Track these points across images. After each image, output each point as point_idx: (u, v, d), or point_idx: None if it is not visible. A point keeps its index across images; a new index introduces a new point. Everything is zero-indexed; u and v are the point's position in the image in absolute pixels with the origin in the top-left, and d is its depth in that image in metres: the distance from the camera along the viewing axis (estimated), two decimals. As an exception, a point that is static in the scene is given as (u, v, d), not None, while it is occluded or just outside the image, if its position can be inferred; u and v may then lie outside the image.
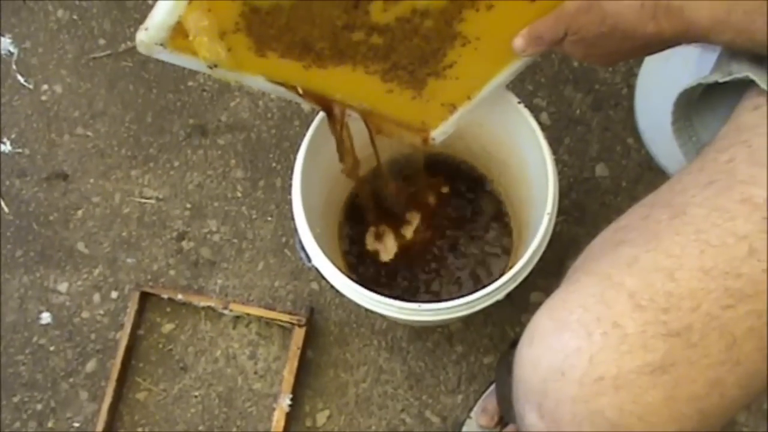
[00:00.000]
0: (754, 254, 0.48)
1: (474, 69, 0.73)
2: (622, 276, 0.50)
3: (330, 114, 0.75)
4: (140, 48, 0.61)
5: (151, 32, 0.59)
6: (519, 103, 0.79)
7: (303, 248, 0.76)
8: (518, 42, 0.67)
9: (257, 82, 0.68)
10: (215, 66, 0.63)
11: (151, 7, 1.19)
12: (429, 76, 0.73)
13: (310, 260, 0.76)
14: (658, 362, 0.47)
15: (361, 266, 0.95)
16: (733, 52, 0.58)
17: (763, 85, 0.53)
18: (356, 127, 0.78)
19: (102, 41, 1.16)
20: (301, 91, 0.70)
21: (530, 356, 0.52)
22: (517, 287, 1.01)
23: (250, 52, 0.64)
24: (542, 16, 0.65)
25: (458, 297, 0.73)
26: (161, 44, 0.60)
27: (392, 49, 0.68)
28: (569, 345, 0.49)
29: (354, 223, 0.96)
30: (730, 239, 0.49)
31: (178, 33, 0.59)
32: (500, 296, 0.74)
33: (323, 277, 0.76)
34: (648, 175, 1.05)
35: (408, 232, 0.95)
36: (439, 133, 0.82)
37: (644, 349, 0.47)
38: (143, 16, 1.20)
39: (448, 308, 0.73)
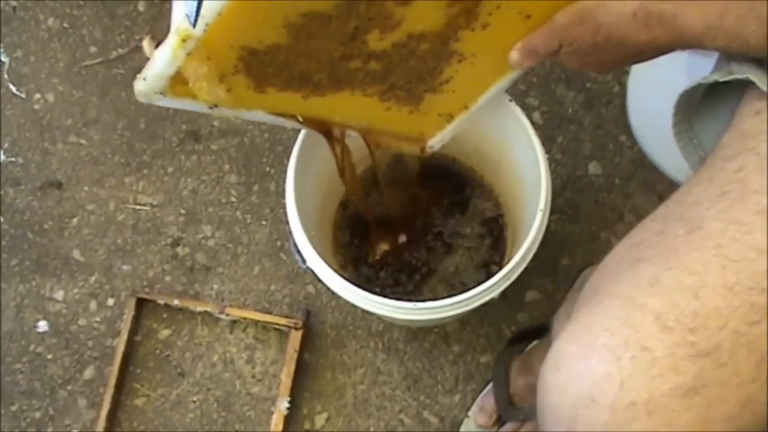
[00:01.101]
0: None
1: (471, 82, 0.73)
2: (645, 297, 0.49)
3: (329, 136, 0.75)
4: (139, 97, 0.61)
5: (149, 83, 0.60)
6: (510, 101, 0.79)
7: (298, 250, 0.77)
8: (514, 56, 0.67)
9: (257, 115, 0.68)
10: (215, 106, 0.63)
11: (141, 13, 1.20)
12: (426, 92, 0.73)
13: (305, 262, 0.77)
14: (689, 384, 0.47)
15: (357, 268, 0.95)
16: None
17: (763, 87, 0.53)
18: (355, 143, 0.78)
19: (93, 49, 1.16)
20: (300, 119, 0.71)
21: (557, 382, 0.51)
22: (512, 286, 1.01)
23: (249, 90, 0.64)
24: (536, 29, 0.65)
25: (454, 295, 0.73)
26: (161, 93, 0.61)
27: (389, 72, 0.68)
28: (598, 370, 0.48)
29: (349, 225, 0.97)
30: (750, 253, 0.48)
31: (177, 81, 0.60)
32: (495, 294, 0.74)
33: (319, 279, 0.77)
34: (641, 172, 1.05)
35: (403, 234, 0.95)
36: (436, 142, 0.82)
37: (674, 371, 0.47)
38: (134, 24, 1.21)
39: (444, 306, 0.73)
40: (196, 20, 0.53)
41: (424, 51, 0.66)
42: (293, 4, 0.57)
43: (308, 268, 0.77)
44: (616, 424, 0.47)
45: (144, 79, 0.60)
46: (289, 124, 0.71)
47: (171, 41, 0.56)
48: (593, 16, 0.60)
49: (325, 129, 0.75)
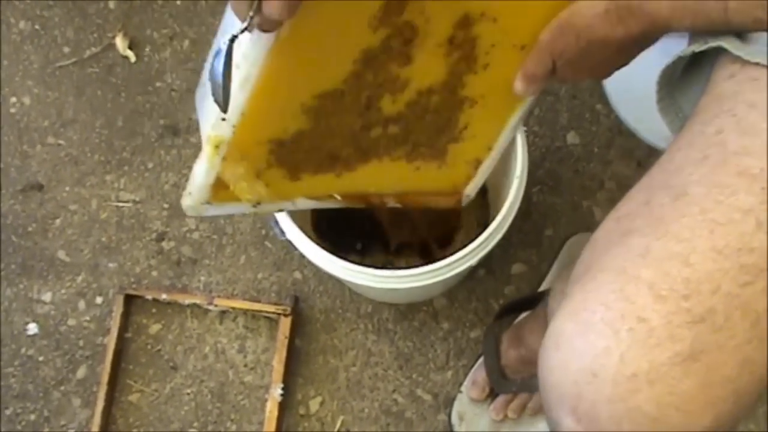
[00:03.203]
0: (762, 227, 0.48)
1: (487, 123, 0.75)
2: (637, 268, 0.49)
3: (371, 206, 0.78)
4: (188, 212, 0.65)
5: (195, 196, 0.63)
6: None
7: (276, 222, 0.77)
8: (518, 86, 0.68)
9: (299, 204, 0.72)
10: (258, 204, 0.67)
11: (112, 11, 1.19)
12: (448, 144, 0.74)
13: (283, 234, 0.77)
14: (687, 351, 0.47)
15: (338, 242, 0.95)
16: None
17: (735, 51, 0.54)
18: None
19: (66, 49, 1.16)
20: (339, 198, 0.74)
21: (558, 361, 0.51)
22: (497, 260, 1.02)
23: (286, 180, 0.68)
24: None
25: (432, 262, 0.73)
26: (207, 203, 0.64)
27: (409, 132, 0.70)
28: (597, 345, 0.48)
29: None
30: (736, 215, 0.48)
31: (218, 187, 0.63)
32: (473, 261, 0.74)
33: (295, 248, 0.77)
34: (618, 140, 1.06)
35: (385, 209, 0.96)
36: (471, 190, 0.83)
37: (672, 339, 0.47)
38: (105, 21, 1.20)
39: (421, 274, 0.73)
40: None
41: (436, 104, 0.68)
42: (306, 88, 0.60)
43: (286, 239, 0.77)
44: (620, 396, 0.48)
45: (190, 193, 0.63)
46: (331, 204, 0.74)
47: (205, 152, 0.60)
48: (570, 23, 0.61)
49: (365, 201, 0.77)
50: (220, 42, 0.51)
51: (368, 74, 0.61)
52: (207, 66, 0.60)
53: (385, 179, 0.75)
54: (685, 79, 0.62)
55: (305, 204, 0.72)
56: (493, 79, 0.68)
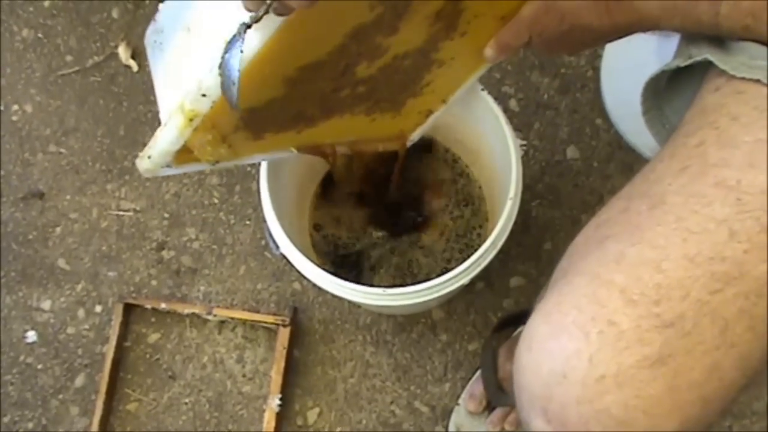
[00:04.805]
0: (734, 237, 0.48)
1: (449, 80, 0.76)
2: (611, 273, 0.50)
3: (323, 155, 0.78)
4: (145, 174, 0.62)
5: (156, 160, 0.61)
6: (482, 90, 0.80)
7: (272, 236, 0.78)
8: (489, 52, 0.70)
9: (254, 158, 0.71)
10: (218, 162, 0.65)
11: (115, 20, 1.20)
12: (408, 98, 0.75)
13: (278, 248, 0.77)
14: (655, 355, 0.48)
15: (336, 257, 0.95)
16: (691, 36, 0.59)
17: (720, 65, 0.54)
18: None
19: (69, 58, 1.16)
20: (295, 150, 0.73)
21: (530, 363, 0.52)
22: (496, 273, 1.03)
23: (249, 141, 0.67)
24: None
25: (424, 281, 0.73)
26: (167, 166, 0.62)
27: (375, 90, 0.70)
28: (568, 347, 0.49)
29: (326, 212, 0.97)
30: (710, 225, 0.49)
31: (182, 152, 0.61)
32: (465, 280, 0.75)
33: (291, 264, 0.77)
34: (618, 154, 1.06)
35: (383, 221, 0.96)
36: (416, 135, 0.84)
37: (641, 343, 0.48)
38: (108, 31, 1.20)
39: (414, 292, 0.73)
40: (232, 100, 0.53)
41: (408, 66, 0.69)
42: (293, 63, 0.59)
43: (281, 253, 0.77)
44: (588, 398, 0.48)
45: (149, 157, 0.61)
46: (285, 155, 0.73)
47: (176, 121, 0.57)
48: (556, 6, 0.62)
49: (318, 151, 0.77)
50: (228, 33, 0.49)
51: (353, 46, 0.61)
52: (193, 42, 0.59)
53: (342, 131, 0.75)
54: (671, 91, 0.63)
55: (260, 158, 0.72)
56: (466, 45, 0.69)
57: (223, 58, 0.50)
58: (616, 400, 0.48)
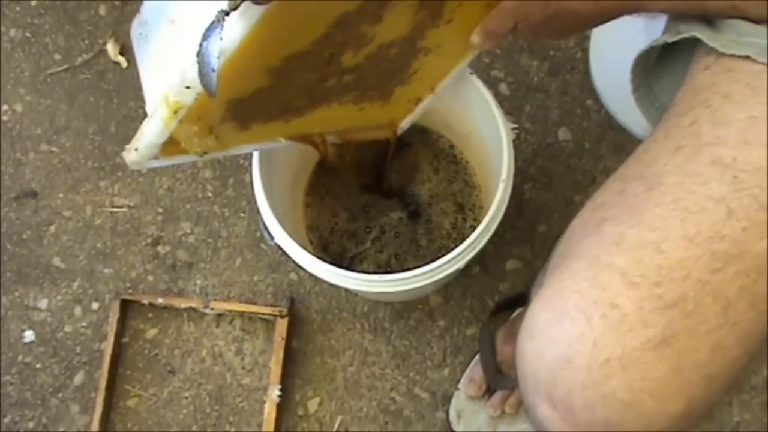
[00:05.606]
0: (732, 215, 0.48)
1: (437, 68, 0.76)
2: (610, 256, 0.50)
3: (312, 144, 0.78)
4: (132, 167, 0.63)
5: (142, 152, 0.61)
6: (471, 74, 0.80)
7: (266, 227, 0.78)
8: (475, 39, 0.70)
9: (243, 149, 0.71)
10: (205, 153, 0.65)
11: (103, 17, 1.19)
12: (396, 86, 0.76)
13: (272, 238, 0.77)
14: (659, 336, 0.48)
15: (330, 246, 0.95)
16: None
17: (709, 43, 0.54)
18: None
19: (57, 56, 1.16)
20: (283, 141, 0.73)
21: (533, 349, 0.51)
22: (492, 257, 1.03)
23: (236, 131, 0.67)
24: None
25: (420, 266, 0.74)
26: (153, 158, 0.62)
27: (362, 79, 0.70)
28: (571, 332, 0.49)
29: (320, 203, 0.97)
30: (708, 204, 0.49)
31: (168, 144, 0.61)
32: (460, 264, 0.75)
33: (287, 255, 0.77)
34: (609, 135, 1.06)
35: (377, 208, 0.96)
36: (406, 123, 0.85)
37: (644, 325, 0.48)
38: (96, 28, 1.20)
39: (410, 278, 0.73)
40: (210, 89, 0.53)
41: (394, 54, 0.69)
42: (277, 52, 0.59)
43: (275, 243, 0.77)
44: (593, 382, 0.48)
45: (136, 149, 0.61)
46: (273, 145, 0.73)
47: (161, 113, 0.57)
48: None
49: (307, 141, 0.77)
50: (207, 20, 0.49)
51: (338, 35, 0.61)
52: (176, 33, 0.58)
53: (331, 120, 0.75)
54: (660, 69, 0.63)
55: (249, 149, 0.72)
56: (452, 32, 0.69)
57: (201, 45, 0.50)
58: (621, 383, 0.48)
